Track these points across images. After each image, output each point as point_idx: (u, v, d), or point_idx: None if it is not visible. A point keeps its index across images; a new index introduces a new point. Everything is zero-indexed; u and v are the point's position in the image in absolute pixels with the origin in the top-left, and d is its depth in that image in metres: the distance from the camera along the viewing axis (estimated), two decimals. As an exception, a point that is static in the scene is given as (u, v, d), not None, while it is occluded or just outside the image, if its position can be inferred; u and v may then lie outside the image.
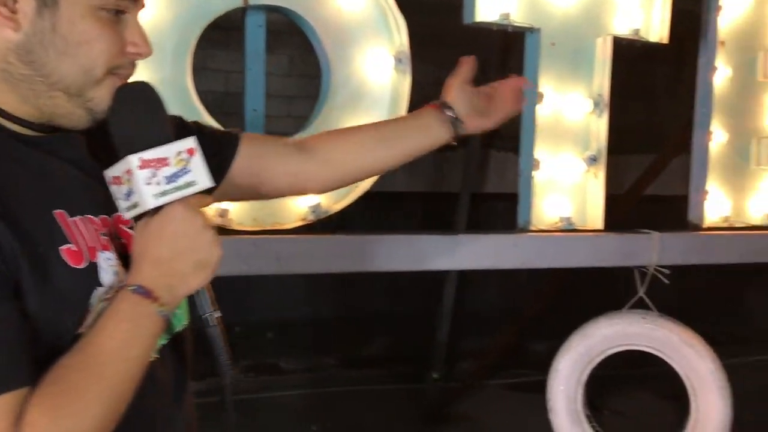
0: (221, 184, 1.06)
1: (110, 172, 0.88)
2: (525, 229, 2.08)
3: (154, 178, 0.85)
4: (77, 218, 0.87)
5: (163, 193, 0.85)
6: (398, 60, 1.95)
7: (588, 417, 2.24)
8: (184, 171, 0.86)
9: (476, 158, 4.90)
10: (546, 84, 2.09)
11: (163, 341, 0.94)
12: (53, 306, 0.82)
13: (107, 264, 0.87)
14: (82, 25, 0.84)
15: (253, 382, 5.67)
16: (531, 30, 2.05)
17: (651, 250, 2.13)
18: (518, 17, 2.01)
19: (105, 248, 0.88)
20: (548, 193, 2.11)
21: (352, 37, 1.91)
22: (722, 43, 2.25)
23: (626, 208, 3.41)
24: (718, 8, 2.22)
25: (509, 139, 5.96)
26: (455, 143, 1.28)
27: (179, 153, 0.86)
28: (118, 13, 0.87)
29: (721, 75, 2.27)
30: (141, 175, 0.84)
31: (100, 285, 0.86)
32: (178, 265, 0.86)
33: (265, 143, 1.23)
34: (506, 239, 2.02)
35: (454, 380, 5.64)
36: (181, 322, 0.99)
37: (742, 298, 7.19)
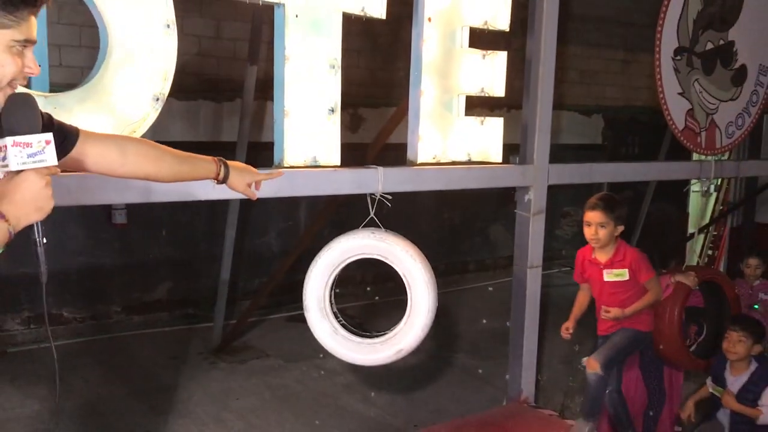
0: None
1: (14, 138, 1.43)
2: (280, 166, 2.65)
3: (21, 152, 1.43)
4: None
5: (24, 163, 1.43)
6: (167, 26, 2.39)
7: (335, 313, 2.92)
8: (41, 152, 1.45)
9: (250, 110, 5.35)
10: (291, 47, 2.65)
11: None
12: None
13: None
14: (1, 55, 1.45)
15: (35, 332, 5.79)
16: (278, 5, 2.59)
17: (377, 181, 2.82)
18: (267, -6, 2.54)
19: None
20: (297, 138, 2.70)
21: (122, 4, 2.31)
22: (429, 19, 2.97)
23: (374, 153, 4.13)
24: (425, -8, 2.92)
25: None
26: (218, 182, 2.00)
27: (40, 141, 1.45)
28: (26, 44, 1.47)
29: (430, 44, 2.99)
30: (12, 150, 1.42)
31: None
32: (25, 206, 1.42)
33: (94, 143, 1.77)
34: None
35: (234, 318, 6.19)
36: None
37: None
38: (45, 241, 1.49)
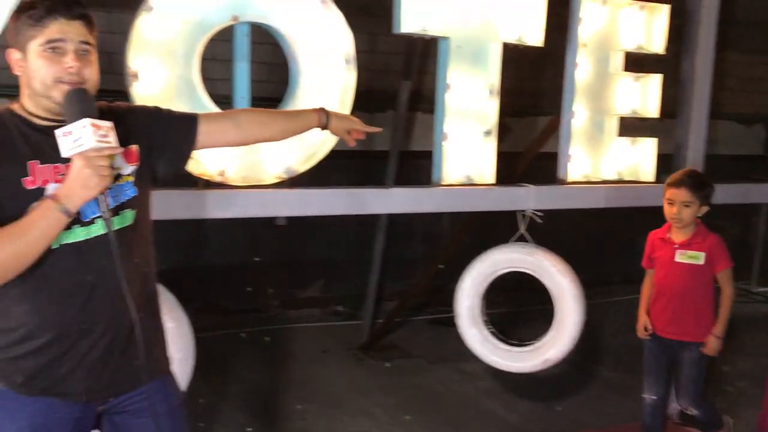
0: (192, 145, 1.87)
1: (60, 130, 1.58)
2: (438, 184, 2.94)
3: (66, 139, 1.57)
4: (46, 165, 1.63)
5: (71, 149, 1.57)
6: (346, 60, 2.74)
7: (485, 321, 3.16)
8: (79, 137, 1.56)
9: (402, 122, 5.68)
10: (453, 76, 2.92)
11: (93, 233, 1.66)
12: (11, 205, 1.60)
13: (52, 188, 1.61)
14: (38, 62, 1.62)
15: (204, 321, 6.43)
16: (443, 38, 2.88)
17: (528, 198, 3.04)
18: (433, 29, 2.83)
19: (57, 181, 1.62)
20: (454, 158, 2.97)
21: (310, 43, 2.69)
22: (584, 45, 3.14)
23: (525, 163, 4.31)
24: (579, 19, 3.10)
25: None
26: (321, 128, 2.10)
27: (79, 127, 1.56)
28: (55, 47, 1.62)
29: (583, 69, 3.16)
30: (65, 139, 1.57)
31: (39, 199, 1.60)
32: (71, 186, 1.56)
33: (211, 122, 1.94)
34: (423, 191, 2.87)
35: (380, 318, 6.55)
36: (101, 230, 1.67)
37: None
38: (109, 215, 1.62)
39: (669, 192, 3.18)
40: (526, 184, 3.08)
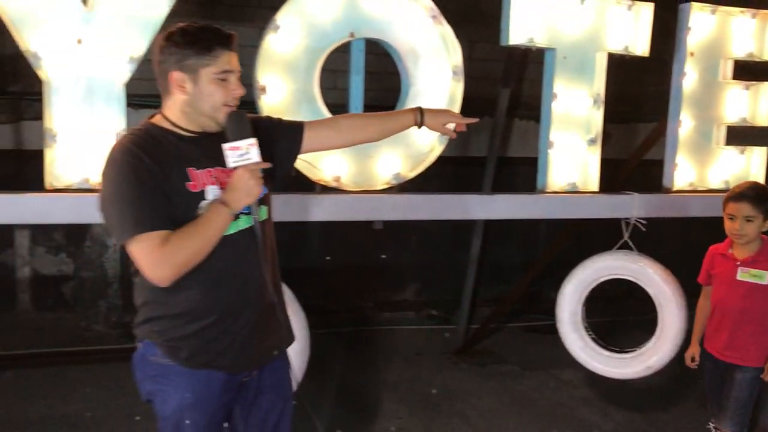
0: (299, 150, 2.12)
1: (228, 144, 1.87)
2: (542, 191, 3.03)
3: (233, 154, 1.86)
4: (202, 170, 1.89)
5: (236, 162, 1.86)
6: (454, 72, 2.88)
7: (585, 327, 3.22)
8: (247, 153, 1.86)
9: (501, 128, 5.76)
10: (559, 86, 3.01)
11: (240, 227, 1.92)
12: (181, 205, 1.85)
13: (212, 191, 1.88)
14: (210, 87, 1.86)
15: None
16: (549, 48, 2.97)
17: (632, 206, 3.08)
18: (540, 40, 2.93)
19: (213, 184, 1.89)
20: (559, 165, 3.05)
21: (422, 57, 2.84)
22: (691, 53, 3.16)
23: (629, 170, 4.31)
24: (688, 29, 3.12)
25: (532, 109, 6.88)
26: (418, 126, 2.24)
27: (246, 145, 1.86)
28: (226, 77, 1.88)
29: (690, 78, 3.18)
30: (230, 153, 1.86)
31: (204, 200, 1.87)
32: (237, 193, 1.84)
33: (315, 128, 2.18)
34: (528, 198, 2.97)
35: (475, 323, 6.64)
36: (248, 223, 1.94)
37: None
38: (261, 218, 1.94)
39: (729, 206, 3.01)
40: (631, 192, 3.12)
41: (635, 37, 3.05)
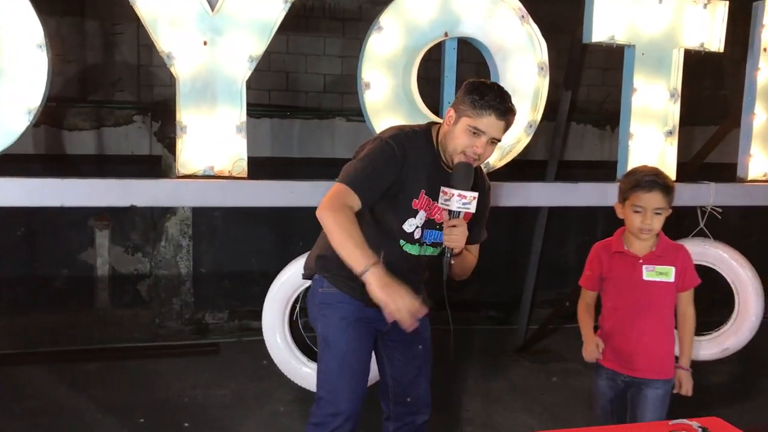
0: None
1: (457, 191, 2.26)
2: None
3: (459, 200, 2.26)
4: (426, 196, 2.35)
5: (459, 208, 2.28)
6: (540, 68, 3.12)
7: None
8: (469, 203, 2.27)
9: (562, 131, 5.97)
10: (638, 81, 3.23)
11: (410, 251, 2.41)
12: (396, 207, 2.31)
13: (421, 217, 2.37)
14: (461, 132, 2.27)
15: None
16: (629, 45, 3.20)
17: (709, 195, 3.28)
18: (620, 38, 3.16)
19: (424, 209, 2.36)
20: (638, 155, 3.27)
21: (511, 53, 3.09)
22: (765, 49, 3.36)
23: (691, 172, 4.50)
24: (762, 26, 3.32)
25: (587, 113, 7.07)
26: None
27: (472, 196, 2.27)
28: (477, 132, 2.26)
29: (763, 72, 3.38)
30: (456, 198, 2.26)
31: (413, 217, 2.34)
32: (460, 236, 2.33)
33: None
34: (610, 186, 3.19)
35: (534, 323, 6.82)
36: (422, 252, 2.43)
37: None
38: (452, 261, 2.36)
39: (636, 197, 2.67)
40: (707, 182, 3.32)
41: (711, 34, 3.27)
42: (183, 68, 2.76)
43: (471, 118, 2.22)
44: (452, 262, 2.35)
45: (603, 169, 7.32)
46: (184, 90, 2.76)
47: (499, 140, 2.30)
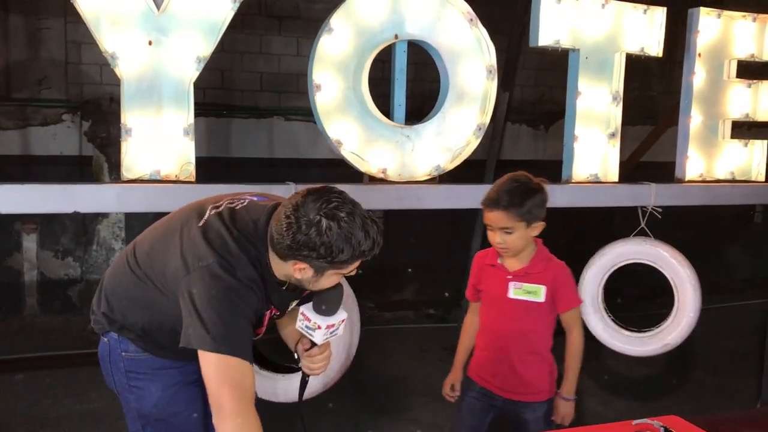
0: None
1: (325, 321, 1.93)
2: (568, 181, 3.33)
3: (328, 331, 1.95)
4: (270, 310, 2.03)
5: (327, 338, 1.97)
6: (489, 71, 3.16)
7: (605, 309, 3.51)
8: (337, 329, 1.95)
9: (500, 131, 6.08)
10: (582, 84, 3.31)
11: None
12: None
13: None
14: (328, 282, 1.92)
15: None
16: (573, 50, 3.28)
17: (650, 195, 3.39)
18: (565, 42, 3.23)
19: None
20: (582, 157, 3.35)
21: (460, 56, 3.12)
22: (699, 54, 3.49)
23: (626, 171, 4.66)
24: (697, 31, 3.46)
25: (522, 113, 7.22)
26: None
27: (341, 319, 1.95)
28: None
29: (699, 77, 3.51)
30: (323, 331, 1.93)
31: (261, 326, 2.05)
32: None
33: None
34: (557, 188, 3.26)
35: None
36: None
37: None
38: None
39: (485, 215, 2.57)
40: (648, 183, 3.43)
41: (650, 38, 3.37)
42: (127, 69, 2.67)
43: (339, 269, 1.87)
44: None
45: (537, 168, 7.54)
46: (128, 91, 2.67)
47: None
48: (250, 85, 6.34)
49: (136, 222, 5.93)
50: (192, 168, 2.76)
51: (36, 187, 2.58)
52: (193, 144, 2.76)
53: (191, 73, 2.75)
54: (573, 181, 3.35)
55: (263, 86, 6.42)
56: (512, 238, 2.53)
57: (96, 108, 5.72)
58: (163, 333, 2.05)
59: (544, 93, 7.54)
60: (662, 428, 1.84)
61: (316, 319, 1.90)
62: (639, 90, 7.44)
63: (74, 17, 5.71)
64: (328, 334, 1.92)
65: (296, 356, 2.13)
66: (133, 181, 2.69)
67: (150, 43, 2.68)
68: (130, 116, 2.68)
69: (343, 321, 1.91)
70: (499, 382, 2.71)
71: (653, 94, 7.74)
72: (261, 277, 1.91)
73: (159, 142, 2.71)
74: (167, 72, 2.71)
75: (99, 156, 5.78)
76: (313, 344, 1.99)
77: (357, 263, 1.87)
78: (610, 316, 3.54)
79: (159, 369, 2.10)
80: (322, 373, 2.04)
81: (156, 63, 2.69)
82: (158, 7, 2.67)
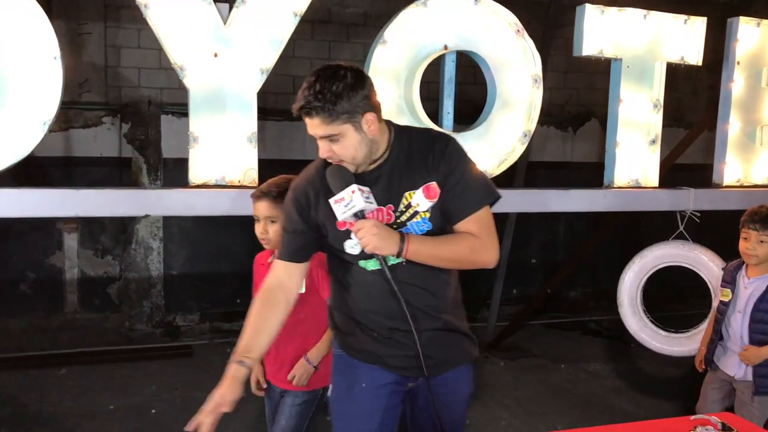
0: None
1: (332, 199, 1.98)
2: (609, 186, 3.45)
3: (341, 206, 1.97)
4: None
5: (343, 212, 1.97)
6: (534, 80, 3.28)
7: (644, 310, 3.63)
8: (351, 202, 1.95)
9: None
10: (624, 92, 3.43)
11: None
12: (330, 240, 2.12)
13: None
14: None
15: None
16: (615, 59, 3.39)
17: (689, 200, 3.51)
18: (608, 52, 3.35)
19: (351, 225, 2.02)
20: (624, 163, 3.47)
21: (506, 66, 3.24)
22: (738, 62, 3.60)
23: (662, 173, 4.75)
24: (736, 40, 3.56)
25: (551, 115, 7.30)
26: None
27: (351, 192, 1.96)
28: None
29: (737, 84, 3.62)
30: (358, 194, 1.95)
31: (349, 238, 2.07)
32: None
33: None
34: (599, 192, 3.38)
35: (498, 320, 7.04)
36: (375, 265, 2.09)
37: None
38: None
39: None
40: (687, 188, 3.55)
41: (690, 47, 3.49)
42: (194, 80, 2.81)
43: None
44: (404, 263, 2.06)
45: (565, 170, 7.62)
46: (195, 101, 2.82)
47: (336, 135, 1.96)
48: (283, 88, 6.48)
49: (173, 221, 6.11)
50: (255, 174, 2.90)
51: (112, 192, 2.74)
52: (255, 151, 2.90)
53: (255, 84, 2.89)
54: (614, 186, 3.47)
55: (295, 90, 6.57)
56: (272, 229, 2.60)
57: (135, 111, 5.88)
58: None
59: (572, 95, 7.62)
60: (720, 423, 1.96)
61: (331, 201, 2.00)
62: (665, 92, 7.54)
63: (113, 22, 5.89)
64: (344, 208, 1.96)
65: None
66: (199, 186, 2.84)
67: (216, 55, 2.83)
68: (196, 125, 2.83)
69: (353, 192, 1.95)
70: (276, 372, 2.79)
71: (679, 96, 7.81)
72: (314, 182, 2.13)
73: (224, 149, 2.86)
74: (232, 83, 2.86)
75: (138, 157, 5.95)
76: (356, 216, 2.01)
77: (305, 119, 1.97)
78: (648, 317, 3.65)
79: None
80: (377, 248, 1.98)
81: (221, 74, 2.84)
82: (224, 21, 2.82)
